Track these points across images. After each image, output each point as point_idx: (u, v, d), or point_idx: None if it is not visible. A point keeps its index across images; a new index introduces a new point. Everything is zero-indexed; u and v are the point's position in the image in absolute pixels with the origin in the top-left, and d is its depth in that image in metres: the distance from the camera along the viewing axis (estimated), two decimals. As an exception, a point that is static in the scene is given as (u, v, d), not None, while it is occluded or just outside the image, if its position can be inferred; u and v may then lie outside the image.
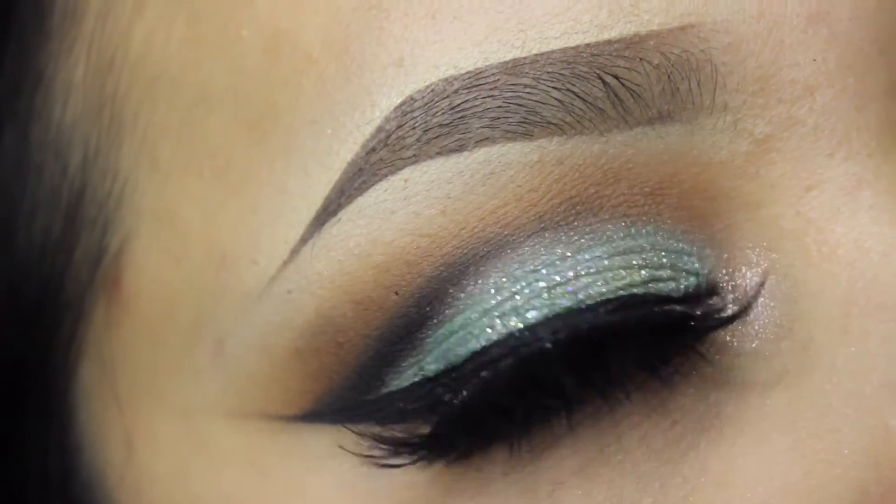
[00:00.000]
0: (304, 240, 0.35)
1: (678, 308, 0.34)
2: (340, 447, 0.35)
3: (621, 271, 0.34)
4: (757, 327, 0.35)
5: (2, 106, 0.40)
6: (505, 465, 0.35)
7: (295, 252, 0.35)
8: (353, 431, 0.35)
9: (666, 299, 0.34)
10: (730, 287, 0.35)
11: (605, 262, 0.34)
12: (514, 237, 0.34)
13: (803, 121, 0.34)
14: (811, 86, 0.34)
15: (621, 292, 0.34)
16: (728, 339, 0.35)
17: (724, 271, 0.35)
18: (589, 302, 0.34)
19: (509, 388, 0.34)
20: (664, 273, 0.34)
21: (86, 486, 0.40)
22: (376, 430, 0.35)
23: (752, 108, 0.34)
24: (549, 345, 0.34)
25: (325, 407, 0.36)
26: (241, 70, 0.36)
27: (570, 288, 0.34)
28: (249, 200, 0.36)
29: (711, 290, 0.35)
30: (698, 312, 0.34)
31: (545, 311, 0.34)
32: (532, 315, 0.34)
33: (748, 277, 0.35)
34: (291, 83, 0.35)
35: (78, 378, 0.40)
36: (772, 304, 0.34)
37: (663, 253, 0.35)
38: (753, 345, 0.35)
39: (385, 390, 0.35)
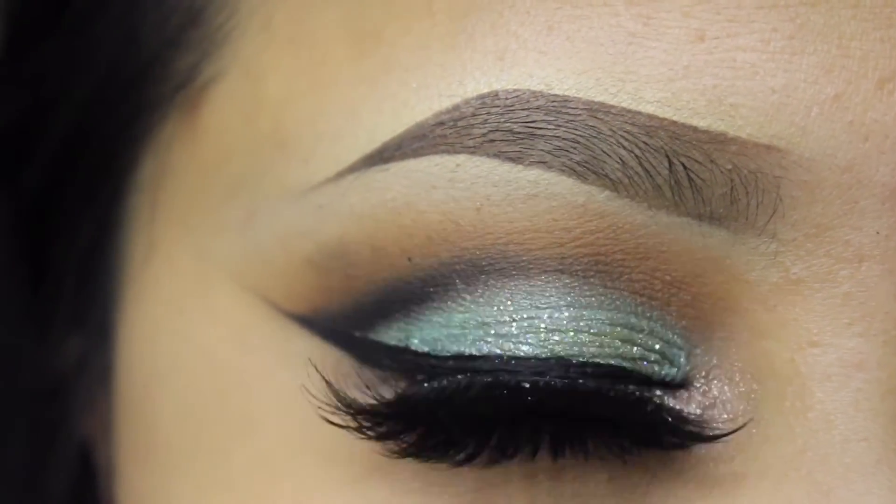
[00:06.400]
0: (351, 169, 0.36)
1: (656, 400, 0.34)
2: (310, 361, 0.36)
3: (617, 342, 0.35)
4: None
5: None
6: (443, 478, 0.35)
7: (340, 175, 0.36)
8: (331, 355, 0.36)
9: (646, 380, 0.35)
10: (701, 391, 0.35)
11: (607, 328, 0.34)
12: (532, 267, 0.34)
13: (839, 283, 0.34)
14: (863, 255, 0.34)
15: (611, 361, 0.34)
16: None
17: (703, 375, 0.35)
18: (581, 359, 0.34)
19: (472, 405, 0.34)
20: (653, 356, 0.35)
21: (105, 270, 0.42)
22: (352, 364, 0.36)
23: (799, 249, 0.34)
24: (526, 384, 0.34)
25: (318, 319, 0.37)
26: None
27: (566, 338, 0.34)
28: (324, 105, 0.36)
29: (683, 383, 0.35)
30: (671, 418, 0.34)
31: (536, 349, 0.34)
32: (523, 349, 0.34)
33: (724, 392, 0.35)
34: (404, 20, 0.35)
35: (137, 169, 0.41)
36: (730, 426, 0.35)
37: (658, 341, 0.35)
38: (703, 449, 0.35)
39: (372, 336, 0.36)
